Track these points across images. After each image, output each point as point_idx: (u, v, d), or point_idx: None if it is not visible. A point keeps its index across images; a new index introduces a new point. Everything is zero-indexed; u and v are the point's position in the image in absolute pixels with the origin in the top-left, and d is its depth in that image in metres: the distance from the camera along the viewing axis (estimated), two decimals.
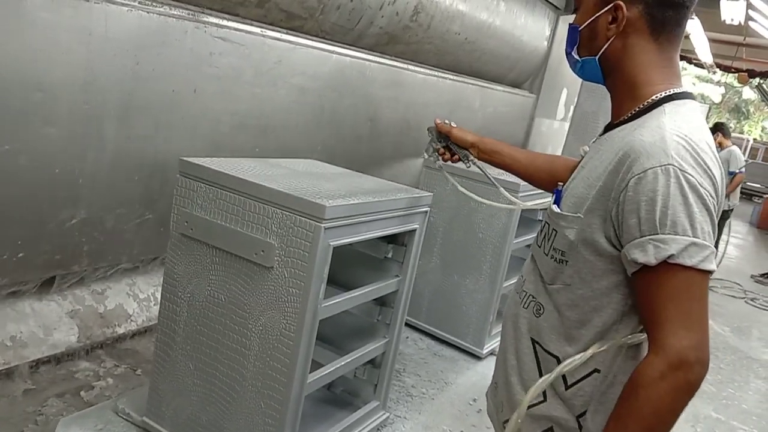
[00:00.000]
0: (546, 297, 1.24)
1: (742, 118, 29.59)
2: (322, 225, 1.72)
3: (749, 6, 7.39)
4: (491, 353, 3.41)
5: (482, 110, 5.50)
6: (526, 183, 1.72)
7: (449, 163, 1.84)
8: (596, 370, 1.17)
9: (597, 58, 1.22)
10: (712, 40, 12.01)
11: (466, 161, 1.77)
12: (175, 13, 2.54)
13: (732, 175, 6.73)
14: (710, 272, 1.05)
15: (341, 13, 3.45)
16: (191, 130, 2.76)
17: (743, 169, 6.92)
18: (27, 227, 2.36)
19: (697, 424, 3.37)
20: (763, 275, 7.47)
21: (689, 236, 1.02)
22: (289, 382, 1.82)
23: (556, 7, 6.11)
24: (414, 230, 2.23)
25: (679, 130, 1.08)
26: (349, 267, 2.28)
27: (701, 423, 3.39)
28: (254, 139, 3.11)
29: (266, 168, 2.10)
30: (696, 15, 8.87)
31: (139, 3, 2.40)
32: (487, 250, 3.24)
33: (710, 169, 1.06)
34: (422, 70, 4.51)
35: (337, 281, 2.16)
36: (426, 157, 1.92)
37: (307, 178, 2.09)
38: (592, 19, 1.21)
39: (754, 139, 19.15)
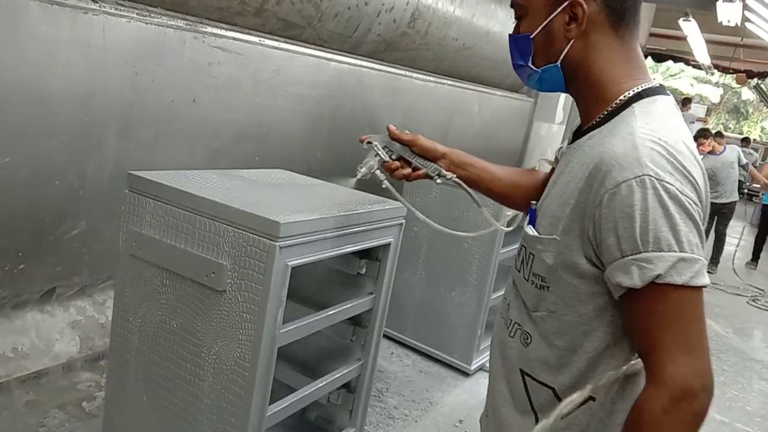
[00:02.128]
0: (531, 325, 1.14)
1: (741, 118, 29.63)
2: (277, 243, 1.56)
3: (745, 7, 7.41)
4: (480, 368, 3.29)
5: (481, 115, 5.51)
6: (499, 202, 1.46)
7: (403, 181, 1.44)
8: (591, 398, 1.07)
9: (558, 64, 1.11)
10: (709, 42, 12.03)
11: (436, 176, 1.38)
12: (173, 23, 2.55)
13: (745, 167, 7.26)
14: (704, 287, 0.95)
15: (339, 21, 3.47)
16: (190, 140, 2.77)
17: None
18: (28, 239, 2.37)
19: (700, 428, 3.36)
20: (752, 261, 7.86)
21: (676, 251, 0.93)
22: (245, 416, 1.67)
23: None
24: (388, 244, 2.07)
25: (653, 133, 0.98)
26: (320, 284, 2.16)
27: (705, 426, 3.38)
28: (254, 148, 3.12)
29: (226, 181, 1.95)
30: (693, 17, 8.89)
31: (138, 14, 2.41)
32: (473, 261, 3.11)
33: (691, 174, 0.96)
34: (420, 76, 4.53)
35: (309, 300, 2.06)
36: (362, 174, 1.39)
37: (269, 191, 1.94)
38: (546, 22, 1.09)
39: (754, 140, 19.16)
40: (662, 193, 0.93)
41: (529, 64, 1.14)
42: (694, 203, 0.96)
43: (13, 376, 2.47)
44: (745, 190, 9.06)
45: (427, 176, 1.40)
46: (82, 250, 2.57)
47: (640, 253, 0.94)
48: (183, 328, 1.75)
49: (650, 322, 0.96)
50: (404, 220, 2.13)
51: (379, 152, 1.38)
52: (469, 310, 3.16)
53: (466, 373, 3.24)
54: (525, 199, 1.32)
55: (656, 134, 0.98)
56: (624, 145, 0.97)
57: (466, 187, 1.40)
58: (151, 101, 2.56)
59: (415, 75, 4.44)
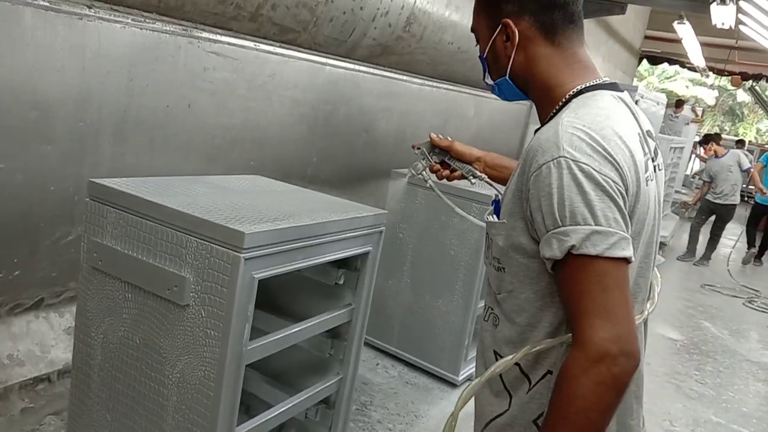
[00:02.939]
0: (498, 307, 1.23)
1: (736, 120, 29.73)
2: (242, 255, 1.47)
3: (739, 10, 7.45)
4: (468, 379, 3.18)
5: (477, 119, 5.52)
6: None
7: (444, 181, 1.69)
8: (549, 372, 1.15)
9: (507, 77, 1.25)
10: (704, 44, 12.08)
11: (470, 177, 1.62)
12: (168, 29, 2.56)
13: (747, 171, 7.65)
14: (624, 259, 1.02)
15: (334, 26, 3.47)
16: (186, 146, 2.78)
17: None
18: (23, 245, 2.37)
19: (696, 428, 3.37)
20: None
21: (591, 225, 1.01)
22: None
23: None
24: (367, 253, 1.97)
25: (577, 121, 1.08)
26: (297, 295, 2.08)
27: (701, 427, 3.39)
28: (249, 153, 3.13)
29: (194, 187, 1.86)
30: (687, 19, 8.93)
31: (133, 20, 2.41)
32: (459, 268, 3.00)
33: (612, 156, 1.05)
34: (416, 80, 4.54)
35: (285, 311, 2.01)
36: (413, 174, 1.66)
37: (239, 199, 1.84)
38: (490, 43, 1.25)
39: (749, 141, 19.21)
40: (577, 172, 1.03)
41: (486, 80, 1.33)
42: (614, 182, 1.04)
43: (8, 382, 2.46)
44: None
45: (463, 177, 1.64)
46: (77, 256, 2.57)
47: (559, 227, 1.03)
48: (146, 345, 1.67)
49: (572, 290, 1.05)
50: (384, 228, 2.03)
51: (426, 156, 1.63)
52: (455, 318, 3.05)
53: (453, 384, 3.12)
54: None
55: (580, 122, 1.08)
56: (548, 132, 1.09)
57: (495, 186, 1.60)
58: (146, 106, 2.56)
59: (410, 79, 4.45)
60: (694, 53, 12.53)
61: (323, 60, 3.49)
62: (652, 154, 1.21)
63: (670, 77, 27.05)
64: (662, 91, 26.95)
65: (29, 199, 2.30)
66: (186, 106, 2.73)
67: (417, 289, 3.16)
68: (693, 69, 15.62)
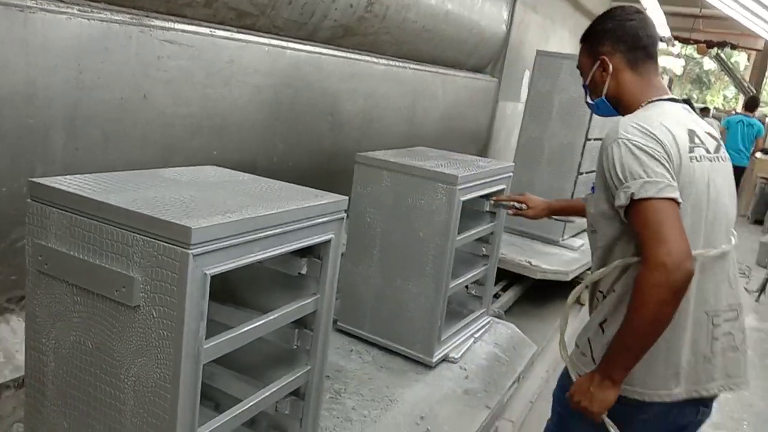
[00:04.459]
0: (594, 257, 1.78)
1: (704, 88, 30.08)
2: (190, 251, 1.41)
3: None
4: (444, 360, 3.12)
5: (444, 97, 5.48)
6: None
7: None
8: (613, 290, 1.66)
9: (603, 97, 1.81)
10: (669, 14, 12.14)
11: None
12: (118, 18, 2.46)
13: None
14: (671, 199, 1.47)
15: (293, 8, 3.39)
16: (143, 137, 2.69)
17: None
18: None
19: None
20: None
21: (643, 177, 1.49)
22: None
23: None
24: (329, 241, 1.93)
25: (634, 118, 1.64)
26: (262, 287, 2.02)
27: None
28: (210, 142, 3.05)
29: (143, 182, 1.79)
30: None
31: (79, 10, 2.32)
32: (428, 249, 2.93)
33: (656, 135, 1.57)
34: (381, 61, 4.47)
35: (251, 304, 1.94)
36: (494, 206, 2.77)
37: (191, 192, 1.77)
38: (591, 74, 1.83)
39: (715, 108, 19.47)
40: (631, 146, 1.55)
41: (587, 100, 1.92)
42: (657, 151, 1.54)
43: None
44: None
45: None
46: None
47: (623, 183, 1.52)
48: (99, 349, 1.61)
49: (638, 226, 1.51)
50: (345, 214, 1.97)
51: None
52: (427, 300, 3.00)
53: (428, 366, 3.06)
54: None
55: (636, 118, 1.64)
56: (614, 126, 1.63)
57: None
58: (98, 99, 2.47)
59: (375, 60, 4.38)
60: (659, 23, 12.59)
61: (283, 44, 3.41)
62: (706, 147, 1.66)
63: None
64: None
65: None
66: (141, 97, 2.64)
67: (387, 273, 3.08)
68: (660, 39, 15.71)
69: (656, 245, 1.42)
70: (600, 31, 1.81)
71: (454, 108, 5.69)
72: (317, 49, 3.73)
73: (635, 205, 1.48)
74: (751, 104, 9.75)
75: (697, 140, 1.63)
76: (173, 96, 2.78)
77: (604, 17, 1.82)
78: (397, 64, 4.66)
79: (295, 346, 2.00)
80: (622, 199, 1.50)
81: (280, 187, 1.99)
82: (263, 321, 1.75)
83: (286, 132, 3.60)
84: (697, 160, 1.60)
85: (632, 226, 1.53)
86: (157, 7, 2.70)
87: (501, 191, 3.12)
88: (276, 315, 1.80)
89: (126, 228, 1.50)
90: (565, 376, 1.84)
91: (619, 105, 1.79)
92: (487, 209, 3.16)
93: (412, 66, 4.87)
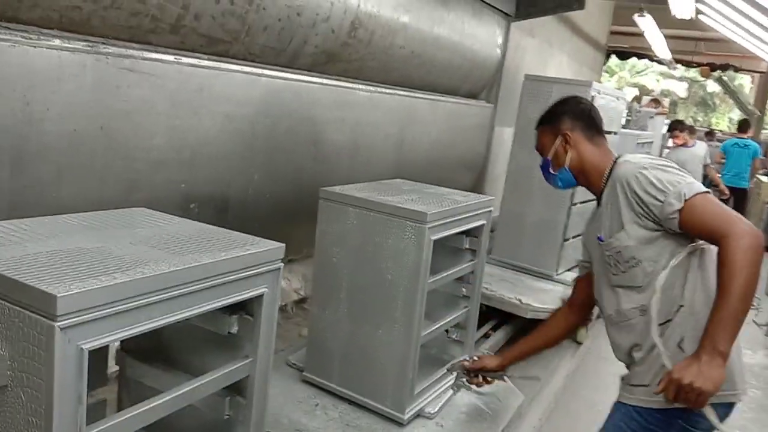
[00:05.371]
0: (642, 293, 1.83)
1: (708, 110, 29.97)
2: (56, 324, 1.16)
3: (698, 0, 7.36)
4: (418, 415, 2.73)
5: (436, 124, 5.32)
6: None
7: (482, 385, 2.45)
8: (681, 306, 1.76)
9: (566, 166, 2.01)
10: (669, 37, 12.06)
11: (502, 379, 2.44)
12: (69, 45, 2.31)
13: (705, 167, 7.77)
14: (707, 192, 1.69)
15: (269, 34, 3.25)
16: (101, 172, 2.53)
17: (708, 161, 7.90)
18: None
19: None
20: None
21: (682, 182, 1.70)
22: None
23: (506, 14, 5.98)
24: (261, 295, 1.64)
25: (632, 157, 1.89)
26: (196, 347, 1.75)
27: None
28: (177, 175, 2.88)
29: (49, 231, 1.53)
30: (648, 12, 8.84)
31: (23, 37, 2.17)
32: (398, 293, 2.63)
33: (659, 162, 1.81)
34: (368, 87, 4.32)
35: (185, 366, 1.69)
36: (457, 388, 2.49)
37: (91, 243, 1.48)
38: (554, 149, 2.03)
39: (721, 131, 19.28)
40: (656, 168, 1.76)
41: (549, 172, 2.08)
42: (673, 166, 1.78)
43: None
44: None
45: (494, 381, 2.46)
46: None
47: (668, 192, 1.69)
48: None
49: (701, 218, 1.66)
50: (282, 264, 1.71)
51: (462, 375, 2.46)
52: (398, 348, 2.66)
53: (399, 423, 2.67)
54: (568, 331, 2.29)
55: (633, 157, 1.89)
56: (623, 171, 1.83)
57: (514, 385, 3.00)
58: (49, 132, 2.31)
59: (361, 86, 4.23)
60: (659, 46, 12.50)
61: (258, 71, 3.26)
62: None
63: (641, 71, 27.17)
64: (634, 85, 27.07)
65: None
66: (98, 129, 2.48)
67: (356, 319, 2.76)
68: (660, 62, 15.63)
69: (731, 223, 1.60)
70: (560, 112, 2.05)
71: (446, 135, 5.53)
72: (297, 76, 3.58)
73: (687, 204, 1.65)
74: (744, 126, 9.68)
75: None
76: (134, 127, 2.62)
77: (561, 103, 2.09)
78: (384, 90, 4.51)
79: (226, 416, 1.70)
80: (675, 204, 1.65)
81: (209, 232, 1.71)
82: (164, 399, 1.44)
83: (264, 162, 3.44)
84: None
85: (694, 225, 1.67)
86: (118, 34, 2.56)
87: (480, 228, 2.88)
88: (197, 384, 1.52)
89: None
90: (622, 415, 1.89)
91: (581, 173, 1.99)
92: (467, 246, 2.91)
93: (400, 92, 4.72)
